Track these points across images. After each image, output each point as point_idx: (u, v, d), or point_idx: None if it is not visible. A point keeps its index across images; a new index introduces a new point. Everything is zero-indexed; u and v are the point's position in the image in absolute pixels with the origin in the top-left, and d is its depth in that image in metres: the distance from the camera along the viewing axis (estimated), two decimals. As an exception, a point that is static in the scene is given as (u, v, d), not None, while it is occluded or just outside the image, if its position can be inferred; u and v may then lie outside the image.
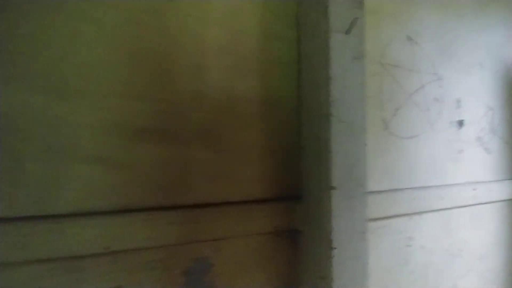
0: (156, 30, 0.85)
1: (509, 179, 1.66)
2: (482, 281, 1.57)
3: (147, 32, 0.85)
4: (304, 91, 1.02)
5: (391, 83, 1.28)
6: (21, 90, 0.73)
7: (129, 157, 0.81)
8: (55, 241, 0.74)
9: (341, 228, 0.91)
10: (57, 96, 0.75)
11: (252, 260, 0.97)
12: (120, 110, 0.80)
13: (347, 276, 0.92)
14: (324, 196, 0.91)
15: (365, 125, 0.98)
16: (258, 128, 0.98)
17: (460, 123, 1.49)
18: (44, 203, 0.74)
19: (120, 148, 0.80)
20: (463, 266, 1.49)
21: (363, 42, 0.98)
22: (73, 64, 0.78)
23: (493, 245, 1.60)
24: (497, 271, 1.64)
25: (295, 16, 1.06)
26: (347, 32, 0.93)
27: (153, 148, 0.83)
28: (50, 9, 0.75)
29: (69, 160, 0.76)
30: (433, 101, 1.40)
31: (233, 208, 0.93)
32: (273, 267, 1.00)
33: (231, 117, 0.93)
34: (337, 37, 0.92)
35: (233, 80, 0.94)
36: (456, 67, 1.49)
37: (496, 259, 1.62)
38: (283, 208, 1.00)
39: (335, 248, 0.90)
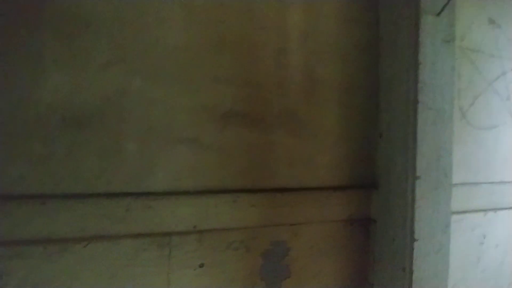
0: (241, 14, 0.86)
1: None
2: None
3: (233, 16, 0.85)
4: (385, 76, 0.98)
5: (470, 69, 1.19)
6: (121, 73, 0.77)
7: (218, 140, 0.83)
8: (150, 217, 0.78)
9: (425, 219, 0.88)
10: (152, 79, 0.79)
11: (327, 247, 0.96)
12: (209, 94, 0.82)
13: (428, 270, 0.89)
14: (408, 186, 0.88)
15: (452, 113, 0.92)
16: (336, 114, 0.96)
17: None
18: (141, 181, 0.78)
19: (209, 131, 0.82)
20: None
21: (453, 24, 0.91)
22: (166, 48, 0.80)
23: None
24: None
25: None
26: (439, 14, 0.87)
27: (239, 131, 0.84)
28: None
29: (163, 141, 0.79)
30: (515, 90, 1.29)
31: (310, 194, 0.92)
32: (346, 254, 0.99)
33: (311, 103, 0.92)
34: (427, 19, 0.86)
35: (313, 64, 0.93)
36: (541, 53, 1.36)
37: None
38: (359, 196, 0.98)
39: (417, 240, 0.87)
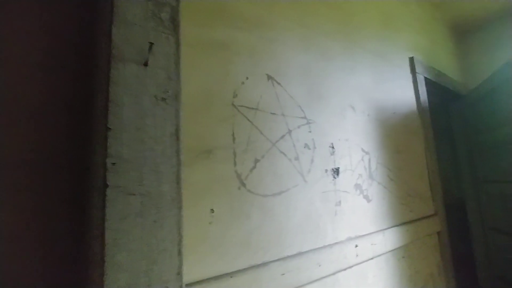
0: None
1: (391, 227, 1.56)
2: None
3: None
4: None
5: (249, 129, 1.05)
6: None
7: None
8: None
9: None
10: None
11: None
12: None
13: None
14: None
15: (180, 198, 0.67)
16: None
17: (336, 171, 1.34)
18: None
19: None
20: None
21: (174, 77, 0.70)
22: None
23: (384, 305, 1.43)
24: (392, 334, 1.46)
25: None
26: (146, 63, 0.64)
27: None
28: None
29: None
30: (303, 148, 1.22)
31: None
32: None
33: None
34: (128, 69, 0.62)
35: None
36: (327, 111, 1.37)
37: (389, 320, 1.45)
38: None
39: None
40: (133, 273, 0.59)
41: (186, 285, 0.79)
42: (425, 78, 2.26)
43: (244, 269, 0.93)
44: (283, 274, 1.02)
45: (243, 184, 0.99)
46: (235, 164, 0.98)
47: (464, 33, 3.13)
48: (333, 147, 1.35)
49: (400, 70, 2.03)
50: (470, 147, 2.84)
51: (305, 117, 1.26)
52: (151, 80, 0.66)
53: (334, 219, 1.27)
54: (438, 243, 1.93)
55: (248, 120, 1.05)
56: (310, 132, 1.26)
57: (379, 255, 1.45)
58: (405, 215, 1.69)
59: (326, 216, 1.24)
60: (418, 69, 2.18)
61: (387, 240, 1.49)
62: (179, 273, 0.65)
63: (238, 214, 0.96)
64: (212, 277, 0.86)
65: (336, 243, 1.25)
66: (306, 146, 1.23)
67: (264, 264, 0.99)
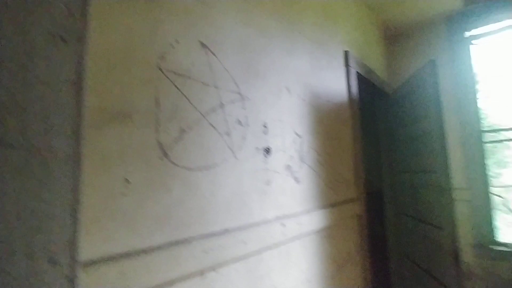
0: None
1: (317, 209, 1.63)
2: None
3: None
4: None
5: (176, 97, 0.96)
6: None
7: None
8: None
9: None
10: None
11: None
12: None
13: None
14: None
15: (79, 157, 0.57)
16: None
17: (268, 150, 1.33)
18: None
19: None
20: (275, 317, 1.28)
21: (80, 15, 0.59)
22: None
23: (307, 282, 1.49)
24: (311, 309, 1.53)
25: None
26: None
27: None
28: None
29: None
30: (236, 124, 1.18)
31: None
32: None
33: None
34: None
35: None
36: (263, 89, 1.35)
37: (309, 296, 1.52)
38: None
39: None
40: (9, 242, 0.48)
41: (89, 262, 0.69)
42: (357, 73, 2.41)
43: (161, 245, 0.86)
44: (206, 252, 0.97)
45: (166, 155, 0.91)
46: (157, 132, 0.89)
47: (393, 37, 3.43)
48: (266, 127, 1.33)
49: (336, 61, 2.12)
50: (391, 141, 3.14)
51: (239, 93, 1.22)
52: (46, 13, 0.54)
53: (262, 198, 1.27)
54: (358, 225, 2.09)
55: (176, 87, 0.97)
56: (244, 109, 1.23)
57: (304, 235, 1.50)
58: (330, 198, 1.79)
59: (254, 194, 1.23)
60: (352, 63, 2.31)
61: (312, 221, 1.55)
62: (72, 245, 0.55)
63: (158, 186, 0.88)
64: (123, 253, 0.77)
65: (264, 221, 1.25)
66: (238, 122, 1.19)
67: (185, 240, 0.93)
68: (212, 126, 1.08)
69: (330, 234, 1.73)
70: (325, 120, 1.84)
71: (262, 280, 1.21)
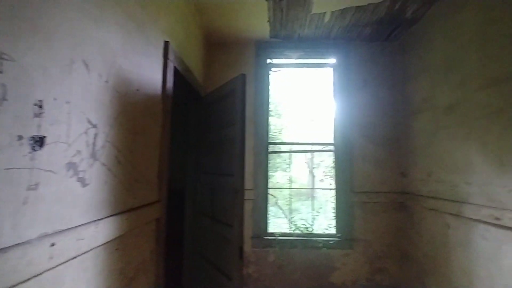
0: None
1: (108, 216, 1.34)
2: None
3: None
4: None
5: None
6: None
7: None
8: None
9: None
10: None
11: None
12: None
13: None
14: None
15: None
16: None
17: (40, 141, 0.93)
18: None
19: None
20: None
21: None
22: None
23: (80, 311, 1.17)
24: None
25: None
26: None
27: None
28: None
29: None
30: (-20, 95, 0.73)
31: None
32: None
33: None
34: None
35: None
36: (44, 53, 0.94)
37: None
38: None
39: None
40: None
41: None
42: (175, 68, 2.29)
43: None
44: None
45: None
46: None
47: (213, 45, 3.58)
48: (41, 107, 0.94)
49: (154, 49, 1.90)
50: (199, 142, 3.23)
51: (-4, 48, 0.77)
52: None
53: (21, 209, 0.86)
54: (155, 230, 1.94)
55: None
56: (1, 73, 0.79)
57: (86, 252, 1.17)
58: (127, 202, 1.54)
59: (5, 205, 0.81)
60: (171, 56, 2.15)
61: (99, 233, 1.25)
62: None
63: None
64: None
65: (18, 244, 0.85)
66: (-13, 92, 0.75)
67: None
68: None
69: (121, 245, 1.47)
70: (131, 112, 1.57)
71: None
